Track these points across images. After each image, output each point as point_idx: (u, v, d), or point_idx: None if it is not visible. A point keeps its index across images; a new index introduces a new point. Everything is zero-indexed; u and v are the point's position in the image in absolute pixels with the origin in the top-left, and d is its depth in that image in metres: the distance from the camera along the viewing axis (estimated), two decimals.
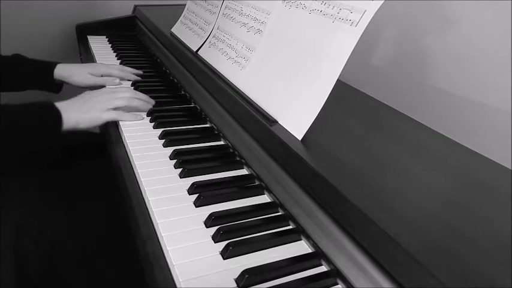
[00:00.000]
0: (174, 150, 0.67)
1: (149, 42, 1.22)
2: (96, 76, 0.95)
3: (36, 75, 0.95)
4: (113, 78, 0.95)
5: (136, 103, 0.78)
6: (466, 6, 0.88)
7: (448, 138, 0.62)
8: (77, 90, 0.89)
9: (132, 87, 0.93)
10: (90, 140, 0.95)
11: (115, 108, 0.76)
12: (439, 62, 0.96)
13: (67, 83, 0.96)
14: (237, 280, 0.44)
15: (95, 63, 1.02)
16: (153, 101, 0.82)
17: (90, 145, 0.93)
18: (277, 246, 0.50)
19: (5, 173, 0.72)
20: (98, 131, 0.90)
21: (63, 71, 0.95)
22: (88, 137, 0.97)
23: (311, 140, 0.57)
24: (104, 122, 0.75)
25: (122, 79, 0.96)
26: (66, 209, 0.70)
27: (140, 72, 1.01)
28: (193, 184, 0.58)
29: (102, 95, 0.77)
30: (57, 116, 0.69)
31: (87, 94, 0.78)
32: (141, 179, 0.59)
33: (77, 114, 0.71)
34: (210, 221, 0.52)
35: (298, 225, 0.52)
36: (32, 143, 0.68)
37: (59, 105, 0.70)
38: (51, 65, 0.94)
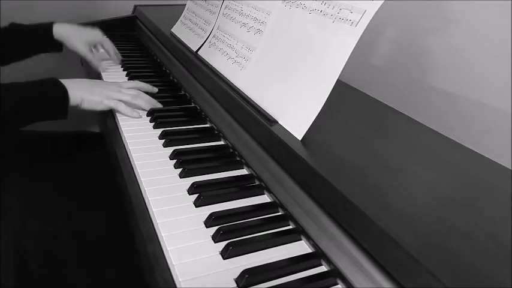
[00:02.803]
0: (174, 150, 0.67)
1: (149, 42, 1.21)
2: (91, 45, 1.01)
3: (38, 38, 0.96)
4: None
5: (138, 101, 0.79)
6: (466, 6, 0.88)
7: (448, 138, 0.62)
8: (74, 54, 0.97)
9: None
10: (90, 140, 0.95)
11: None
12: (439, 62, 0.96)
13: (64, 44, 0.99)
14: (237, 280, 0.44)
15: (91, 31, 1.04)
16: (155, 102, 0.82)
17: (90, 145, 0.93)
18: (277, 246, 0.50)
19: (4, 172, 0.72)
20: (98, 130, 0.91)
21: (63, 31, 0.97)
22: (88, 137, 0.97)
23: (311, 140, 0.57)
24: (104, 108, 0.76)
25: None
26: (67, 209, 0.70)
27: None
28: (193, 184, 0.58)
29: (110, 85, 0.80)
30: (63, 91, 0.71)
31: (95, 80, 0.82)
32: (141, 179, 0.59)
33: (83, 93, 0.74)
34: (210, 221, 0.52)
35: (298, 225, 0.52)
36: (41, 118, 0.70)
37: (65, 81, 0.72)
38: (49, 25, 0.96)
